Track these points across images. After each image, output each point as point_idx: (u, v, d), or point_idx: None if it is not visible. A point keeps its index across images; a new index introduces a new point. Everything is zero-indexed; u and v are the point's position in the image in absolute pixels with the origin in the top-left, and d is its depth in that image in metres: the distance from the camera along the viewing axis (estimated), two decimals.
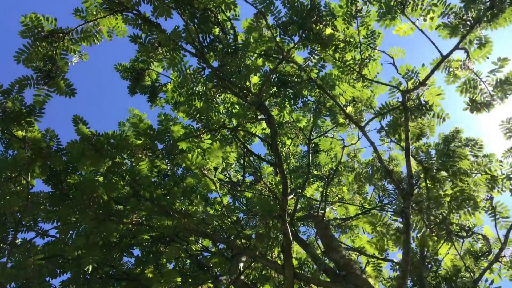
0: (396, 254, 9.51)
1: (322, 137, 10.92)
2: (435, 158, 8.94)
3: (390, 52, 8.34)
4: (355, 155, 11.44)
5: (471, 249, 8.61)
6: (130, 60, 9.46)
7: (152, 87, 9.76)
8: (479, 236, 8.63)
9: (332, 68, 9.33)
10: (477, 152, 8.93)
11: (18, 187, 7.42)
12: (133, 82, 9.55)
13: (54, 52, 7.78)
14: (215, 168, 8.30)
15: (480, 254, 8.44)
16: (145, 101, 10.01)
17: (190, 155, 7.55)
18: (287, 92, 9.19)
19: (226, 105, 9.11)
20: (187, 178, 8.70)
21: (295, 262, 9.66)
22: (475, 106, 7.98)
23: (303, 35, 8.41)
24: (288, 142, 11.49)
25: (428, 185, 8.54)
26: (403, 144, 9.01)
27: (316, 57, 8.99)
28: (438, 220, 7.98)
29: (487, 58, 7.62)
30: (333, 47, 8.66)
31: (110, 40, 8.45)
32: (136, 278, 8.12)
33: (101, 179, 7.91)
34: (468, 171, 8.51)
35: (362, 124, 9.60)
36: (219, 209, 9.95)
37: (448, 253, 8.10)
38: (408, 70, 8.00)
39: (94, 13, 7.96)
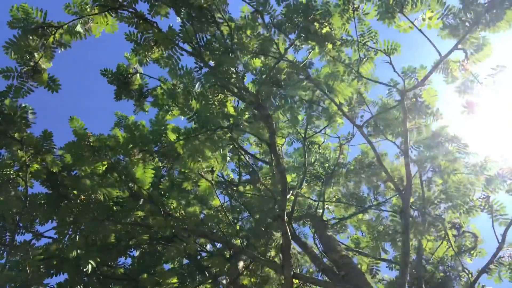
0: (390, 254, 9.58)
1: (316, 134, 10.88)
2: (427, 157, 9.01)
3: (387, 50, 8.31)
4: (341, 152, 11.38)
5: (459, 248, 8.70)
6: (117, 65, 9.20)
7: (140, 91, 9.54)
8: (469, 234, 8.73)
9: (327, 66, 9.30)
10: (462, 149, 8.98)
11: (17, 189, 7.34)
12: (120, 87, 9.32)
13: (43, 45, 7.63)
14: (212, 171, 8.27)
15: (466, 249, 8.52)
16: (134, 104, 9.73)
17: (188, 161, 7.50)
18: (281, 93, 9.16)
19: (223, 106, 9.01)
20: (183, 184, 8.65)
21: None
22: (471, 108, 8.02)
23: (301, 35, 8.37)
24: (280, 142, 11.42)
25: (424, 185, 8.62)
26: (391, 138, 9.04)
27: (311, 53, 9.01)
28: (433, 219, 8.05)
29: (487, 58, 7.62)
30: (330, 45, 8.62)
31: (104, 38, 8.31)
32: (134, 279, 8.11)
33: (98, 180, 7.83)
34: (461, 171, 8.58)
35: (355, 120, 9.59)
36: (214, 208, 9.91)
37: (445, 256, 8.18)
38: (406, 70, 8.00)
39: (88, 9, 7.80)
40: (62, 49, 8.02)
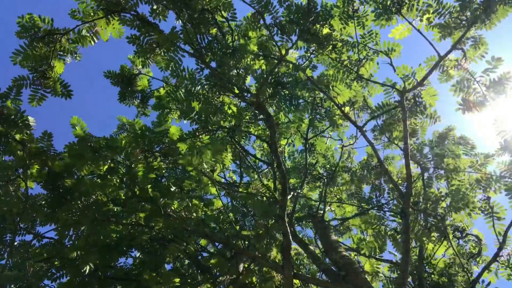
0: (392, 255, 9.57)
1: (318, 136, 10.87)
2: (430, 158, 9.00)
3: (388, 51, 8.34)
4: (348, 155, 11.39)
5: (461, 251, 8.64)
6: (120, 67, 9.33)
7: (143, 93, 9.64)
8: (472, 237, 8.68)
9: (328, 68, 9.34)
10: (469, 151, 8.99)
11: (17, 190, 7.39)
12: (124, 88, 9.42)
13: (51, 52, 7.74)
14: (213, 171, 8.30)
15: (470, 256, 8.46)
16: (135, 106, 9.84)
17: (189, 157, 7.53)
18: (283, 93, 9.20)
19: (224, 107, 9.06)
20: (184, 181, 8.68)
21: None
22: (468, 106, 8.01)
23: (301, 35, 8.42)
24: (283, 142, 11.44)
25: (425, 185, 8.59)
26: (397, 142, 9.04)
27: (313, 57, 9.05)
28: (435, 221, 8.00)
29: (483, 57, 7.65)
30: (330, 47, 8.67)
31: (106, 41, 8.40)
32: (135, 279, 8.09)
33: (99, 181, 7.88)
34: (463, 169, 8.55)
35: (358, 123, 9.59)
36: (216, 209, 9.92)
37: (444, 255, 8.13)
38: (405, 70, 8.01)
39: (92, 14, 7.92)
40: (70, 56, 8.13)
